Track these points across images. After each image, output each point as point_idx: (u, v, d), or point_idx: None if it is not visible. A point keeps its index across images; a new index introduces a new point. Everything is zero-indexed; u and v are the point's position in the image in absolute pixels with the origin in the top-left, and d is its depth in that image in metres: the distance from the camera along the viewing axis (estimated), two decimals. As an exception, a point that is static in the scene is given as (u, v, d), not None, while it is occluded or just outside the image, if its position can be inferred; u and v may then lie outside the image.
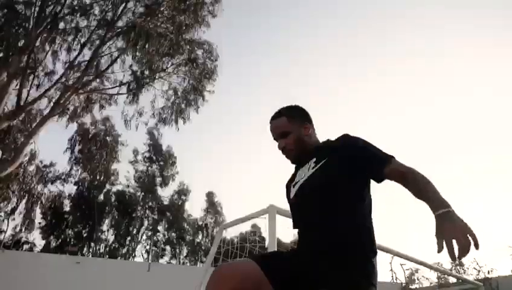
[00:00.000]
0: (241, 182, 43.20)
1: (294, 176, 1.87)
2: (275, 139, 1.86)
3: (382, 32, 36.33)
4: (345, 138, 1.72)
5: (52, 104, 13.59)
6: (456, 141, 35.96)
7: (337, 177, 1.62)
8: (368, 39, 35.50)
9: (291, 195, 1.81)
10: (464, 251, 1.18)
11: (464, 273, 13.45)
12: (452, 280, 13.57)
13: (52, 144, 41.88)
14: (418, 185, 1.45)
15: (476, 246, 1.20)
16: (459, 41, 33.03)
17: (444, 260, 16.57)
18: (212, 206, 32.89)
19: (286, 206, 1.93)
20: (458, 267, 13.61)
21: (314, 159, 1.74)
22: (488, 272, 12.86)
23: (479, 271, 13.04)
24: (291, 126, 1.80)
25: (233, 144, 41.91)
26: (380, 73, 36.67)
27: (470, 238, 1.20)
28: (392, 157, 1.58)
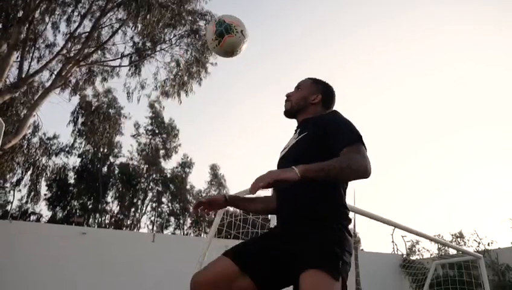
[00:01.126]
0: (244, 155, 43.35)
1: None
2: None
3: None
4: (330, 114, 1.85)
5: (53, 76, 13.53)
6: (457, 113, 35.68)
7: (309, 149, 1.73)
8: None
9: (277, 163, 1.94)
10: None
11: (464, 245, 13.62)
12: (452, 251, 13.77)
13: (54, 117, 41.84)
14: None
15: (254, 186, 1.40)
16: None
17: (444, 232, 16.75)
18: (215, 178, 33.12)
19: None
20: (458, 239, 13.77)
21: (299, 130, 1.89)
22: (488, 244, 13.03)
23: (479, 243, 13.20)
24: (308, 87, 1.98)
25: (237, 118, 41.77)
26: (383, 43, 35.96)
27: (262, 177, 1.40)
28: (357, 141, 1.64)
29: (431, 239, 8.02)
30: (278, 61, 38.40)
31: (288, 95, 2.01)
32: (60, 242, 11.47)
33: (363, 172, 1.51)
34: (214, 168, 33.23)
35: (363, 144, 1.63)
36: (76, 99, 19.57)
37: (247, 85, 39.73)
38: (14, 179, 18.75)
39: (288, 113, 2.00)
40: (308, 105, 1.95)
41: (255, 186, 1.40)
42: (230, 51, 1.95)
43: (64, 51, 14.26)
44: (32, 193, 13.86)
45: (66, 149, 26.01)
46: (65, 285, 10.80)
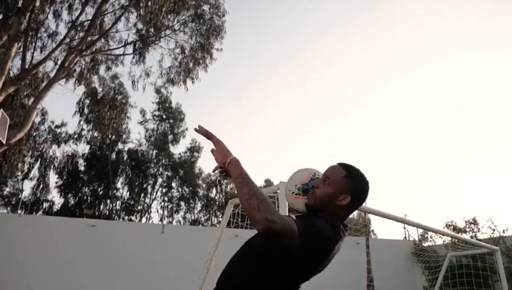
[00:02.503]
0: (255, 137, 43.14)
1: None
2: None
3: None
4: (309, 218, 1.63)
5: (58, 66, 13.30)
6: (470, 95, 34.82)
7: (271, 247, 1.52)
8: None
9: None
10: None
11: (478, 231, 13.36)
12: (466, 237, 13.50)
13: (61, 108, 41.92)
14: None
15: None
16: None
17: (457, 218, 16.44)
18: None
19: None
20: (472, 225, 13.49)
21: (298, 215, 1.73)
22: (504, 231, 12.73)
23: (493, 230, 12.92)
24: (337, 183, 1.67)
25: (248, 99, 41.37)
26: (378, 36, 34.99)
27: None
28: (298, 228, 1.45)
29: (444, 234, 7.75)
30: (287, 44, 37.71)
31: (313, 187, 1.74)
32: (69, 235, 11.48)
33: (256, 218, 1.29)
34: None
35: (299, 233, 1.41)
36: (81, 89, 19.38)
37: (257, 66, 39.21)
38: (23, 172, 18.76)
39: (310, 208, 1.73)
40: (333, 206, 1.65)
41: (203, 131, 1.59)
42: (290, 203, 1.94)
43: (67, 40, 13.98)
44: (41, 185, 13.82)
45: (75, 136, 26.02)
46: (74, 277, 10.84)
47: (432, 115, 37.42)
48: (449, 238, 13.79)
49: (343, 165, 1.72)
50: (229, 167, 1.48)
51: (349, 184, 1.65)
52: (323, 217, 1.60)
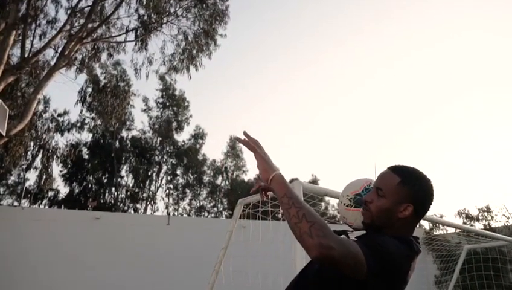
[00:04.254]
0: (262, 124, 42.77)
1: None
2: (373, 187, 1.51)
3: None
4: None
5: (58, 54, 12.92)
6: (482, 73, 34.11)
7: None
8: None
9: None
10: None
11: (492, 219, 13.04)
12: (479, 225, 13.20)
13: (62, 97, 41.61)
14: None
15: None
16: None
17: (470, 206, 16.09)
18: (232, 149, 32.77)
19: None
20: (485, 213, 13.17)
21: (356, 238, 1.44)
22: (519, 219, 12.41)
23: (508, 218, 12.59)
24: (393, 193, 1.41)
25: (253, 86, 40.83)
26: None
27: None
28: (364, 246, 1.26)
29: (457, 227, 7.43)
30: (291, 28, 36.99)
31: (366, 201, 1.47)
32: (73, 228, 11.26)
33: (308, 245, 1.11)
34: (233, 140, 32.82)
35: (367, 255, 1.18)
36: (83, 77, 19.02)
37: (262, 52, 38.58)
38: (28, 162, 18.55)
39: (369, 227, 1.49)
40: (395, 220, 1.40)
41: (244, 142, 1.45)
42: (342, 218, 1.78)
43: (68, 27, 13.56)
44: (45, 176, 13.63)
45: (78, 125, 25.76)
46: (79, 271, 10.65)
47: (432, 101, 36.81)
48: (459, 224, 13.50)
49: (394, 170, 1.46)
50: (272, 184, 1.33)
51: (407, 191, 1.40)
52: (388, 234, 1.38)
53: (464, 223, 13.41)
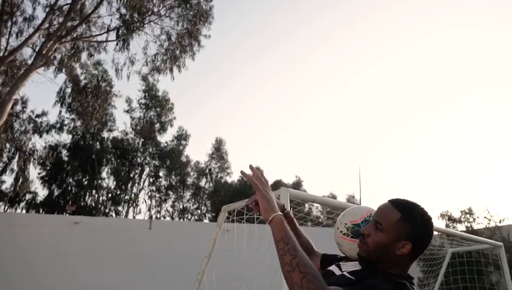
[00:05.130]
0: (246, 126, 42.58)
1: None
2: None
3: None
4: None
5: (35, 53, 12.48)
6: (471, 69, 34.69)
7: None
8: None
9: None
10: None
11: (474, 221, 13.15)
12: (462, 227, 13.31)
13: (40, 97, 40.67)
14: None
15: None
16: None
17: (453, 208, 16.21)
18: (217, 151, 32.53)
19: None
20: (468, 215, 13.27)
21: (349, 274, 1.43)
22: (500, 221, 12.54)
23: (489, 220, 12.71)
24: (392, 228, 1.34)
25: (236, 88, 40.63)
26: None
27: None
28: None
29: (442, 231, 7.40)
30: (275, 30, 36.92)
31: (363, 234, 1.41)
32: (51, 233, 10.88)
33: None
34: (218, 141, 32.57)
35: None
36: (62, 77, 18.50)
37: (246, 53, 38.43)
38: (2, 165, 17.94)
39: (364, 260, 1.42)
40: (392, 256, 1.33)
41: (247, 177, 1.40)
42: (337, 243, 1.73)
43: (46, 25, 13.14)
44: (21, 180, 13.18)
45: (57, 126, 25.11)
46: (56, 278, 10.28)
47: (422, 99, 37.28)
48: (443, 228, 13.59)
49: (395, 204, 1.37)
50: (270, 225, 1.30)
51: (407, 228, 1.32)
52: (382, 270, 1.34)
53: (447, 225, 13.51)
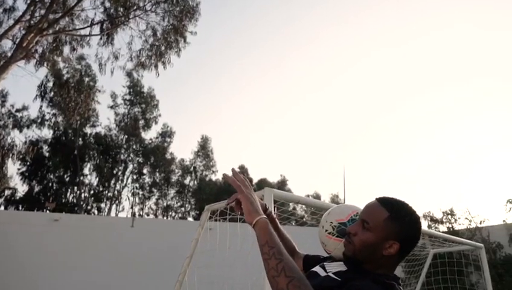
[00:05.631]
0: (232, 123, 42.43)
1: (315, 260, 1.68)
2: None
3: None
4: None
5: (15, 46, 12.13)
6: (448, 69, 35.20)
7: None
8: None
9: None
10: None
11: (455, 222, 13.30)
12: (443, 228, 13.45)
13: (21, 91, 39.76)
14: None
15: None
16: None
17: (434, 209, 16.41)
18: (203, 149, 32.29)
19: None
20: (449, 216, 13.43)
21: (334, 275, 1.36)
22: (480, 222, 12.71)
23: (470, 221, 12.88)
24: (379, 227, 1.29)
25: (223, 86, 40.44)
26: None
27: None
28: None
29: (425, 233, 7.44)
30: (261, 28, 36.84)
31: (349, 233, 1.36)
32: (30, 230, 10.59)
33: None
34: (204, 139, 32.37)
35: None
36: (44, 71, 18.07)
37: (232, 51, 38.26)
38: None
39: (349, 260, 1.38)
40: (379, 256, 1.29)
41: (230, 179, 1.35)
42: (321, 242, 1.66)
43: (27, 17, 12.80)
44: (-2, 177, 12.87)
45: (38, 121, 24.55)
46: (33, 276, 10.02)
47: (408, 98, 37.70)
48: (426, 229, 13.72)
49: (383, 203, 1.34)
50: (254, 228, 1.24)
51: (395, 227, 1.29)
52: (368, 270, 1.31)
53: (429, 225, 13.64)
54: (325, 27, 36.41)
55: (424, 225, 14.26)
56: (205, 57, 37.72)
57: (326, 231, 1.62)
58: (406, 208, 1.34)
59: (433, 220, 13.65)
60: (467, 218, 13.00)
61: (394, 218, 1.29)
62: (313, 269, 1.51)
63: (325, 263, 1.51)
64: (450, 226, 13.28)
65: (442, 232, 13.17)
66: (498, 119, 31.98)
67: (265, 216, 1.27)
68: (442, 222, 13.51)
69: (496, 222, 12.83)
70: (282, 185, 32.84)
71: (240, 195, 1.32)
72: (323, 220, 1.65)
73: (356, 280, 1.23)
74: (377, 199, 1.37)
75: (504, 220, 12.56)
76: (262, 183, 29.61)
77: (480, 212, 15.31)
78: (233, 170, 1.40)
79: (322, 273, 1.43)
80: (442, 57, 33.28)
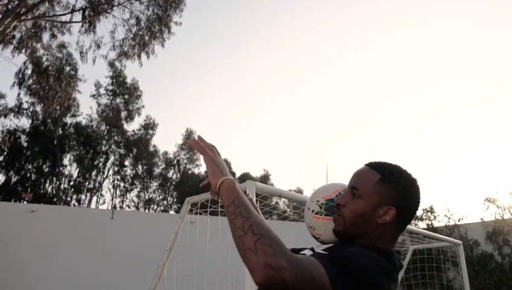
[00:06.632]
0: (219, 117, 42.14)
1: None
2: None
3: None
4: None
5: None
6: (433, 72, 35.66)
7: None
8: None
9: None
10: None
11: (435, 219, 13.52)
12: (423, 225, 13.63)
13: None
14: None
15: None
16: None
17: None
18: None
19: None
20: (429, 213, 13.62)
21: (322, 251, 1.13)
22: (459, 219, 12.94)
23: (449, 218, 13.10)
24: (371, 194, 1.14)
25: (210, 79, 40.10)
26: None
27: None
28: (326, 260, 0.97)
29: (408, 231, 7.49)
30: (247, 22, 36.62)
31: (338, 204, 1.19)
32: (5, 222, 10.29)
33: (252, 264, 0.84)
34: (188, 132, 32.06)
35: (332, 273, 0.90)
36: (22, 58, 17.53)
37: (218, 44, 37.94)
38: None
39: (340, 236, 1.20)
40: (373, 227, 1.13)
41: (192, 143, 1.23)
42: (309, 228, 1.42)
43: (5, 1, 12.36)
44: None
45: (15, 110, 23.88)
46: (8, 269, 9.75)
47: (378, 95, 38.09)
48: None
49: (373, 166, 1.19)
50: (220, 191, 1.07)
51: (389, 190, 1.14)
52: (363, 244, 1.12)
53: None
54: (311, 21, 36.43)
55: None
56: (191, 50, 37.37)
57: (313, 211, 1.40)
58: (399, 170, 1.19)
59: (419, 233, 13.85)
60: (446, 215, 13.24)
61: (387, 180, 1.15)
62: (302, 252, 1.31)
63: (314, 247, 1.31)
64: (430, 223, 13.50)
65: (422, 229, 13.38)
66: (477, 117, 32.63)
67: (232, 177, 1.10)
68: (422, 219, 13.71)
69: (473, 219, 13.11)
70: (265, 179, 32.85)
71: (204, 156, 1.16)
72: (309, 201, 1.44)
73: (344, 248, 1.08)
74: (366, 164, 1.22)
75: (481, 218, 12.82)
76: (245, 177, 29.58)
77: (459, 210, 15.60)
78: (199, 136, 1.24)
79: (310, 253, 1.22)
80: (423, 54, 33.73)
